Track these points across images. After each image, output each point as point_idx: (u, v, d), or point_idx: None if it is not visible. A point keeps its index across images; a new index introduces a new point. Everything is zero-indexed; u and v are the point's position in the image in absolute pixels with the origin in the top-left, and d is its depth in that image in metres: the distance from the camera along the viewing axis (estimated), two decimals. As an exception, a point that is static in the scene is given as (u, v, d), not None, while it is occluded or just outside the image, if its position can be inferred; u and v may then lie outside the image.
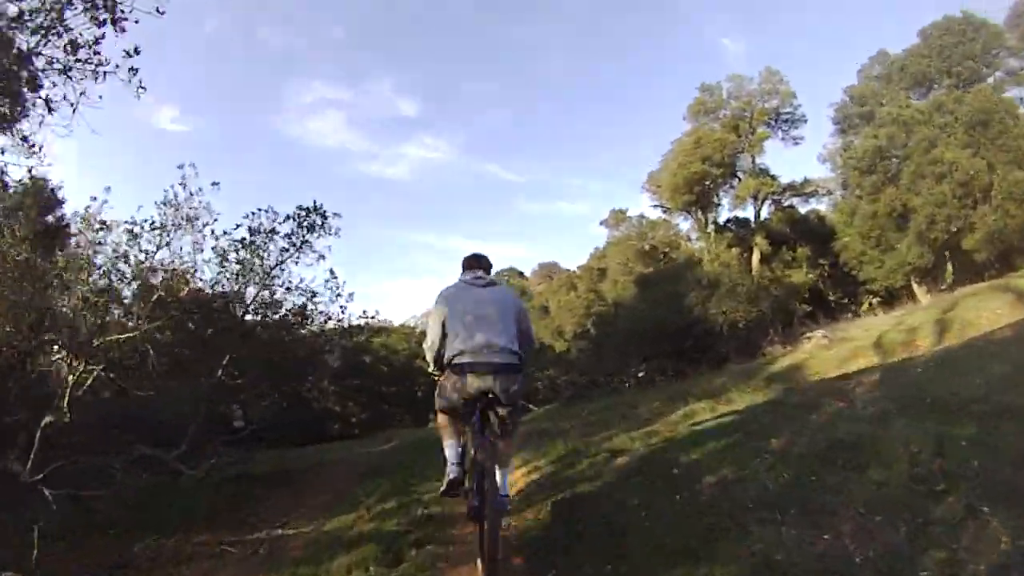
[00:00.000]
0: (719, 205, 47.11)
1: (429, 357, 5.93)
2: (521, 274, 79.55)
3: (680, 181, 43.22)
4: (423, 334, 7.98)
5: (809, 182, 44.80)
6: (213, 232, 14.48)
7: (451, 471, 5.56)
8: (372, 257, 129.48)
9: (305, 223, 15.84)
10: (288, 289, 16.39)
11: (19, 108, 10.41)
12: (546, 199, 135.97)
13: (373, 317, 18.93)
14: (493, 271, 6.34)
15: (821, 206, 46.18)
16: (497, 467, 5.39)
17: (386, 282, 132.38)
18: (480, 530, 5.24)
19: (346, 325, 17.62)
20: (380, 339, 53.77)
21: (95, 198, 12.54)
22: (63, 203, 23.80)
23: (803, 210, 47.44)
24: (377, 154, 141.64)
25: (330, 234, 15.92)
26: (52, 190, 22.67)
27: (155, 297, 11.97)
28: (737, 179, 45.39)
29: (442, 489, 5.64)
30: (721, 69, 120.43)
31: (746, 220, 46.21)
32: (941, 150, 34.10)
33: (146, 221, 12.67)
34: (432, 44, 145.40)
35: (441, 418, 5.80)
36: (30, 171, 11.46)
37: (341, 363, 29.20)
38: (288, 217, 15.73)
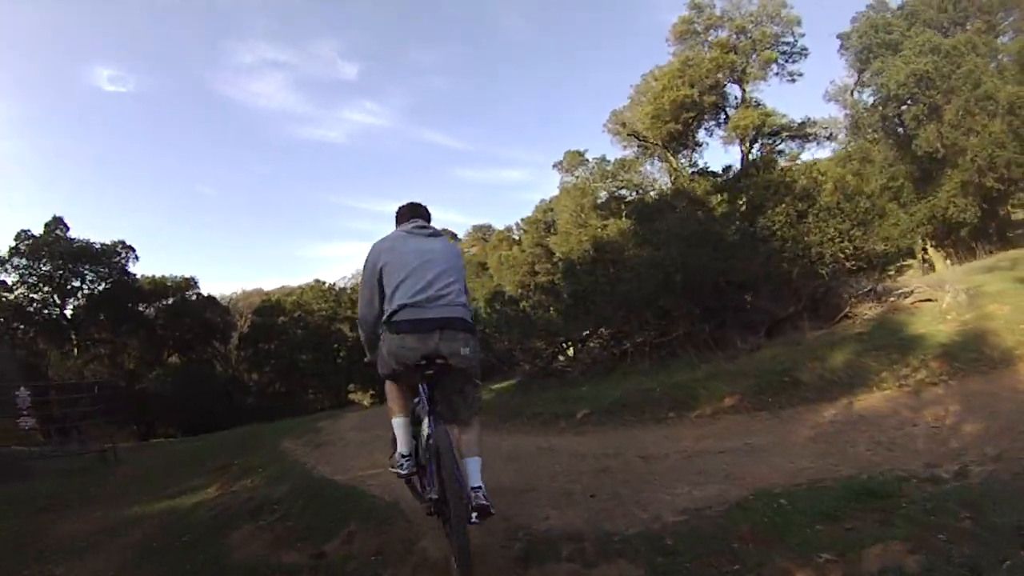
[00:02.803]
0: (700, 145, 38.83)
1: (365, 332, 4.99)
2: (455, 236, 75.44)
3: (665, 106, 34.71)
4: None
5: (811, 122, 37.12)
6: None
7: (401, 464, 4.62)
8: (307, 221, 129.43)
9: None
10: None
11: None
12: (483, 166, 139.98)
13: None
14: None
15: (823, 151, 39.42)
16: (463, 456, 4.58)
17: (321, 246, 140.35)
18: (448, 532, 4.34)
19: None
20: (292, 298, 50.48)
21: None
22: None
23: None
24: (316, 118, 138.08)
25: None
26: None
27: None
28: (724, 114, 37.44)
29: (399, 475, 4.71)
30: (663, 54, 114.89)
31: (728, 166, 37.80)
32: (993, 84, 29.22)
33: None
34: (378, 6, 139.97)
35: (388, 386, 4.80)
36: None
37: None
38: None
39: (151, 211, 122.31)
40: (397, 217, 5.18)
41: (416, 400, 4.78)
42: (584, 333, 20.21)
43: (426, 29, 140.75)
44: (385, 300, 4.65)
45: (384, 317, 4.61)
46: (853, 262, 17.19)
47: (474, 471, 4.58)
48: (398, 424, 4.75)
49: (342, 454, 11.48)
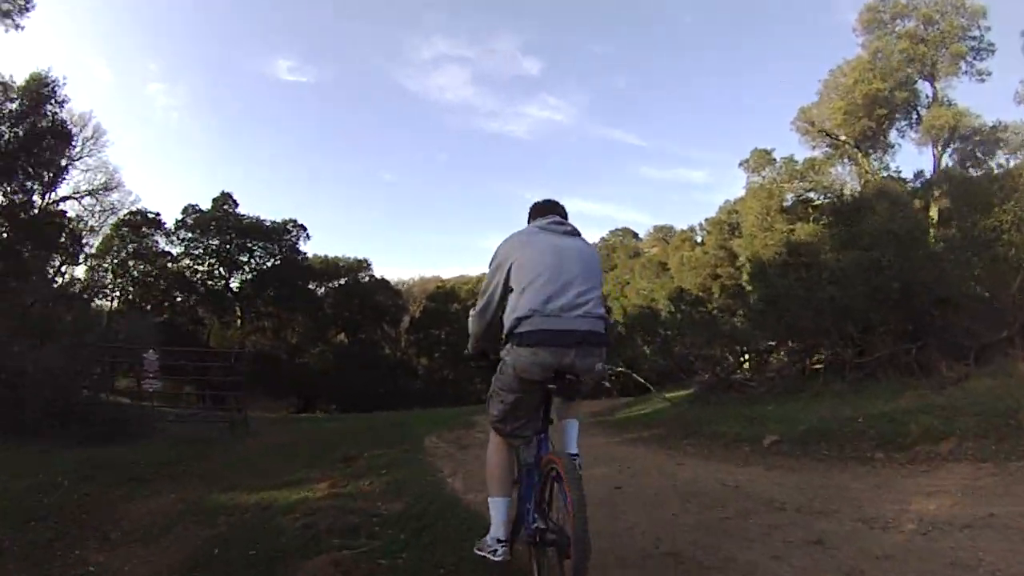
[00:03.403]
0: (892, 147, 36.33)
1: (475, 327, 4.37)
2: (635, 235, 75.71)
3: (858, 100, 32.62)
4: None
5: (1003, 126, 33.65)
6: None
7: (496, 551, 3.94)
8: (488, 211, 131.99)
9: None
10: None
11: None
12: (664, 165, 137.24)
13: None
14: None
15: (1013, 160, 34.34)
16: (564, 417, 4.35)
17: (501, 237, 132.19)
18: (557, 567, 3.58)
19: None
20: (468, 286, 50.67)
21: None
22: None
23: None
24: (497, 111, 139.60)
25: None
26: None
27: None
28: (916, 113, 34.84)
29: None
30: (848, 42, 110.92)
31: (920, 171, 35.65)
32: None
33: None
34: (558, 3, 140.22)
35: (493, 446, 4.21)
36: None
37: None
38: None
39: (327, 195, 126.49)
40: (531, 213, 4.60)
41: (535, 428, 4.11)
42: (770, 344, 18.90)
43: (606, 24, 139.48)
44: (510, 304, 4.04)
45: (509, 325, 3.95)
46: None
47: (572, 433, 4.43)
48: (498, 504, 4.13)
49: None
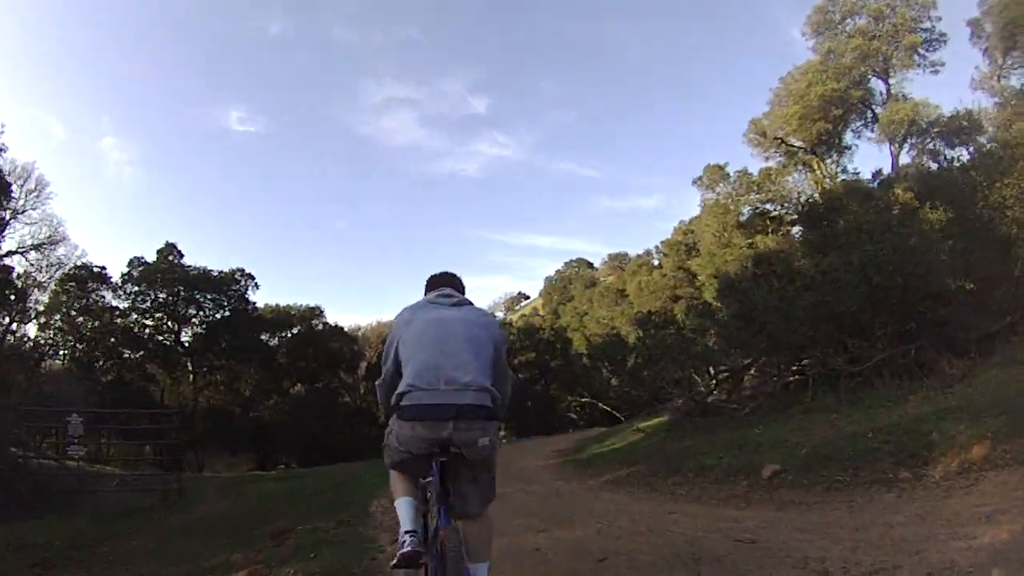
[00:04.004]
0: (848, 149, 35.37)
1: (381, 399, 4.36)
2: (590, 265, 77.32)
3: (813, 102, 31.69)
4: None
5: (962, 114, 32.04)
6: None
7: (405, 541, 3.82)
8: (443, 254, 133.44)
9: None
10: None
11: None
12: (618, 194, 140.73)
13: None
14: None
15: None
16: (469, 562, 3.86)
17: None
18: None
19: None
20: None
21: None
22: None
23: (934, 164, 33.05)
24: (448, 151, 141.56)
25: None
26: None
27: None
28: (871, 112, 34.06)
29: (393, 563, 3.83)
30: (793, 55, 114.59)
31: (878, 170, 33.93)
32: None
33: None
34: (503, 42, 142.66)
35: (392, 475, 4.21)
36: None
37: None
38: None
39: (278, 244, 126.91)
40: (426, 286, 4.69)
41: (427, 479, 4.08)
42: (746, 362, 17.27)
43: (550, 60, 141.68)
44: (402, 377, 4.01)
45: (394, 400, 3.95)
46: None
47: None
48: (402, 503, 4.10)
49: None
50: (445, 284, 4.51)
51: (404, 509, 4.03)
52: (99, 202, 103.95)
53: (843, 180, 33.21)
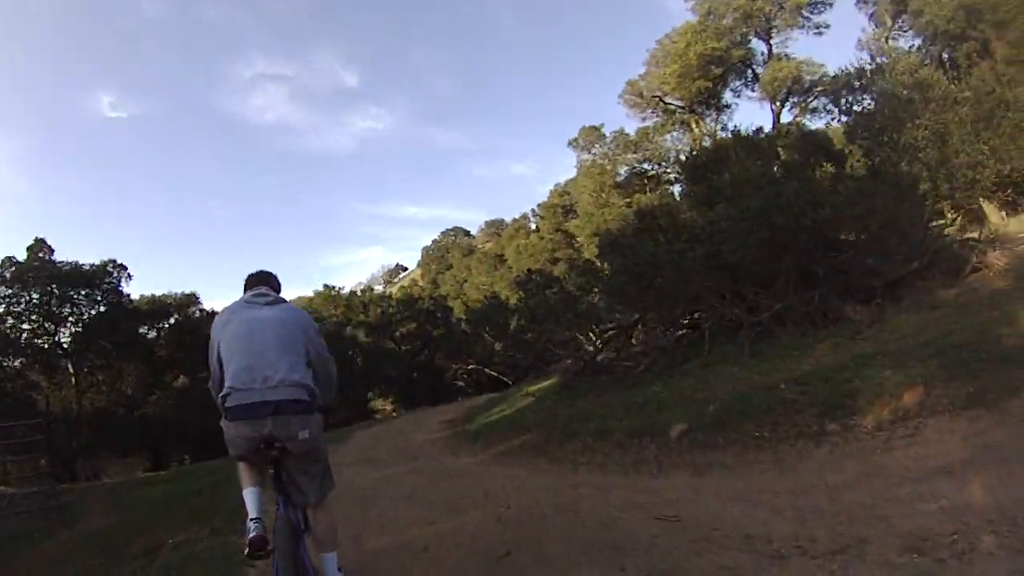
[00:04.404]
0: (728, 107, 35.67)
1: (214, 399, 4.38)
2: (467, 233, 78.59)
3: (692, 61, 31.61)
4: None
5: (846, 73, 31.96)
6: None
7: (250, 528, 4.03)
8: (322, 230, 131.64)
9: None
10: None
11: None
12: (492, 162, 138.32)
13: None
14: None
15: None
16: (318, 551, 4.43)
17: (337, 254, 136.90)
18: None
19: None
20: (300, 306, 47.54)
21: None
22: None
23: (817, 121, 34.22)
24: (321, 127, 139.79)
25: None
26: None
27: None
28: (751, 72, 34.41)
29: (245, 552, 3.99)
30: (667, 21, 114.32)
31: (759, 127, 32.65)
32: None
33: None
34: (374, 14, 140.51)
35: (239, 466, 4.42)
36: None
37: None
38: None
39: (155, 232, 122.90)
40: (244, 285, 4.76)
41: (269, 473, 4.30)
42: (635, 318, 16.43)
43: (423, 30, 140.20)
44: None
45: (219, 402, 4.09)
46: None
47: (331, 570, 4.38)
48: (248, 493, 4.23)
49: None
50: (261, 283, 4.65)
51: (250, 498, 4.18)
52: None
53: (725, 136, 32.94)
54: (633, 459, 7.78)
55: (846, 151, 17.35)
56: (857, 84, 29.73)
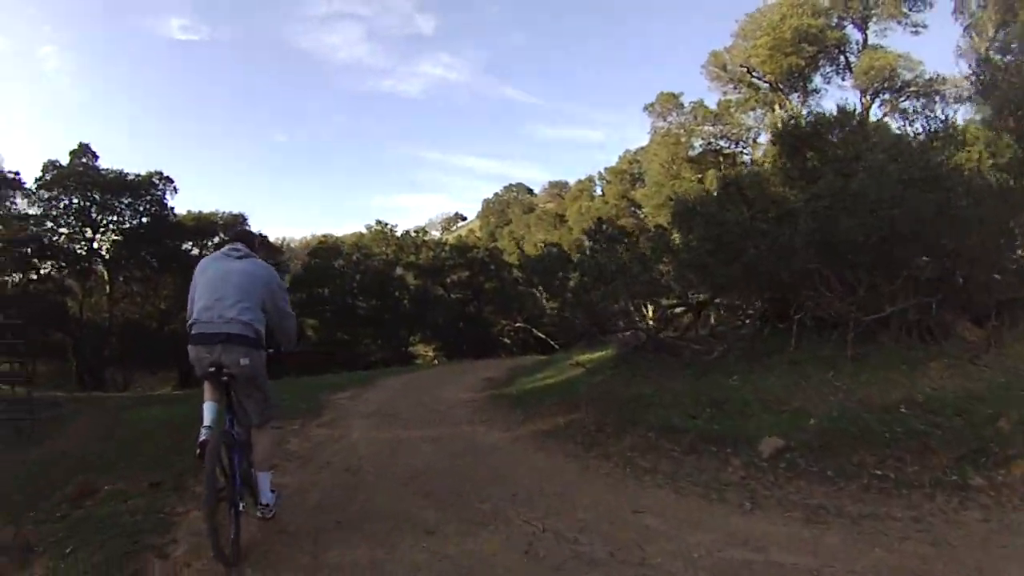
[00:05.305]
0: (817, 92, 33.21)
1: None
2: (530, 191, 77.08)
3: (786, 35, 29.31)
4: None
5: (941, 79, 30.09)
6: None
7: (201, 433, 4.79)
8: (382, 172, 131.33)
9: None
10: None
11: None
12: (561, 123, 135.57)
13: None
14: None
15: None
16: (252, 468, 5.09)
17: (395, 196, 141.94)
18: (209, 524, 4.23)
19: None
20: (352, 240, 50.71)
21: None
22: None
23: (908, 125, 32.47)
24: (391, 70, 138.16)
25: None
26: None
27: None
28: (844, 58, 31.79)
29: (197, 452, 4.71)
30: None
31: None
32: None
33: None
34: None
35: (205, 385, 5.14)
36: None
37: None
38: None
39: (218, 153, 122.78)
40: (226, 240, 6.75)
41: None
42: (705, 296, 14.85)
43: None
44: None
45: (187, 328, 4.98)
46: None
47: (263, 487, 5.09)
48: (206, 406, 4.95)
49: (293, 508, 5.75)
50: (238, 240, 5.36)
51: (206, 409, 4.91)
52: (35, 113, 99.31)
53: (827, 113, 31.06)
54: (713, 477, 6.15)
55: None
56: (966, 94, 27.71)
